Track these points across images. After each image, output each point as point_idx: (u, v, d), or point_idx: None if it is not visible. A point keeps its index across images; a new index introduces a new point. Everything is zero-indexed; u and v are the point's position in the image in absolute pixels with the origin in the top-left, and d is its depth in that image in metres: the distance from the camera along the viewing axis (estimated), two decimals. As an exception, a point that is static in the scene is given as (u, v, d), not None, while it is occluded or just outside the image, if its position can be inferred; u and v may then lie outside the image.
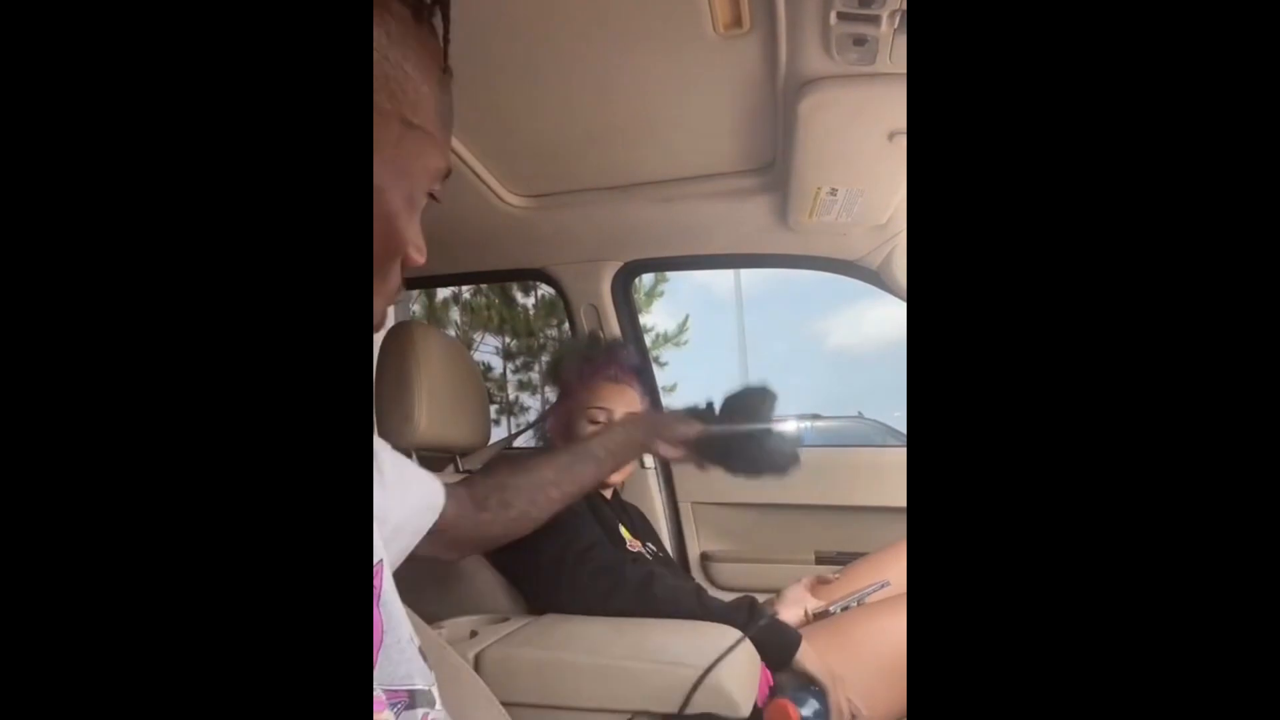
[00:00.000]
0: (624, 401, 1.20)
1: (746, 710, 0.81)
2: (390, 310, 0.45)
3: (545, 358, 6.69)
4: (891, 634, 0.94)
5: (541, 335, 6.66)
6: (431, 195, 0.42)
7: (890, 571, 1.16)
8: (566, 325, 1.60)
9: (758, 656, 0.90)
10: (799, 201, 1.14)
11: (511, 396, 6.94)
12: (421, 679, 0.47)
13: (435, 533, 0.66)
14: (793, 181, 1.08)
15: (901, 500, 1.38)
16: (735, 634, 0.89)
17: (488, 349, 6.97)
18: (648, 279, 6.55)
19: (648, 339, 2.42)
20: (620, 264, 1.50)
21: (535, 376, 6.90)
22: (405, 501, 0.62)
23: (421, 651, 0.49)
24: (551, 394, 1.34)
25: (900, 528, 1.28)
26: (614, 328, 1.53)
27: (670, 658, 0.83)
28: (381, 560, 0.48)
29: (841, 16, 0.74)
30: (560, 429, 1.22)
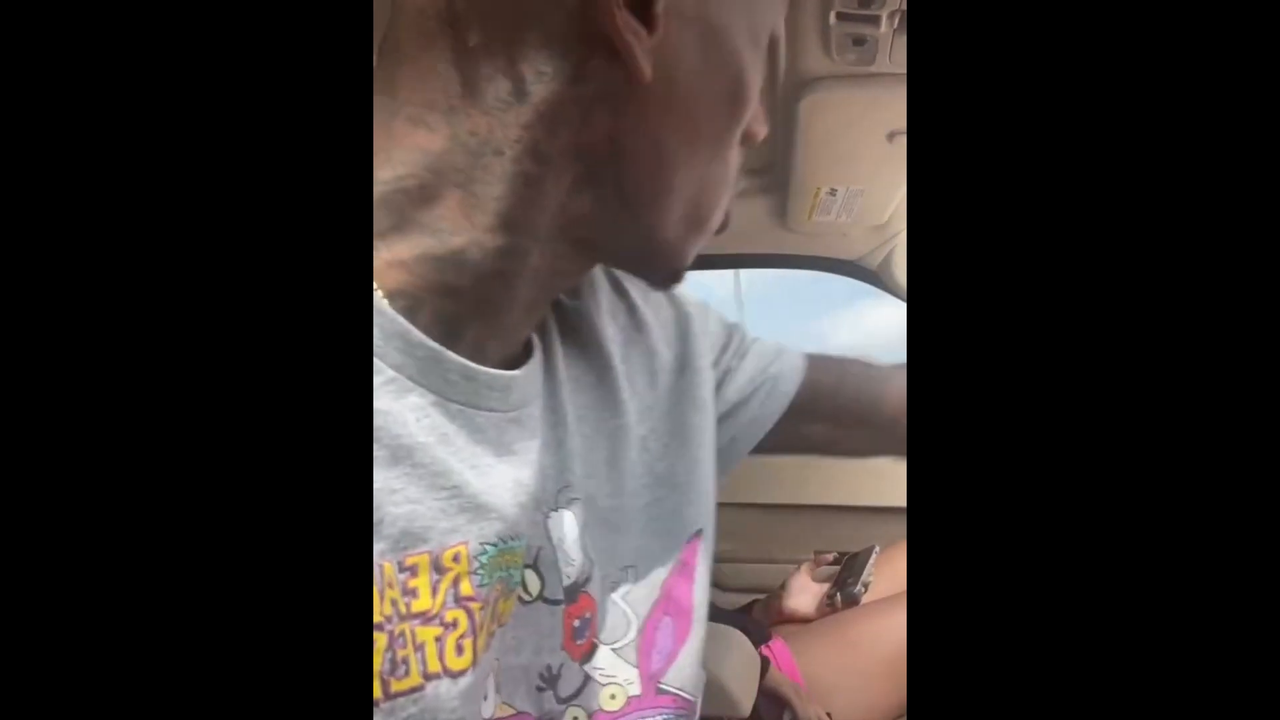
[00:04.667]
0: None
1: (746, 710, 0.82)
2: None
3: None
4: (891, 634, 0.94)
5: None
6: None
7: (888, 568, 1.16)
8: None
9: (757, 657, 0.90)
10: (799, 201, 1.14)
11: (511, 396, 6.91)
12: (694, 686, 0.38)
13: (806, 415, 0.52)
14: (793, 181, 1.08)
15: (901, 500, 1.38)
16: (736, 634, 0.89)
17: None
18: (648, 279, 6.53)
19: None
20: (620, 264, 1.50)
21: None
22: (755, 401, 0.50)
23: None
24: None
25: (900, 528, 1.28)
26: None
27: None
28: (700, 530, 0.38)
29: (841, 16, 0.74)
30: None
